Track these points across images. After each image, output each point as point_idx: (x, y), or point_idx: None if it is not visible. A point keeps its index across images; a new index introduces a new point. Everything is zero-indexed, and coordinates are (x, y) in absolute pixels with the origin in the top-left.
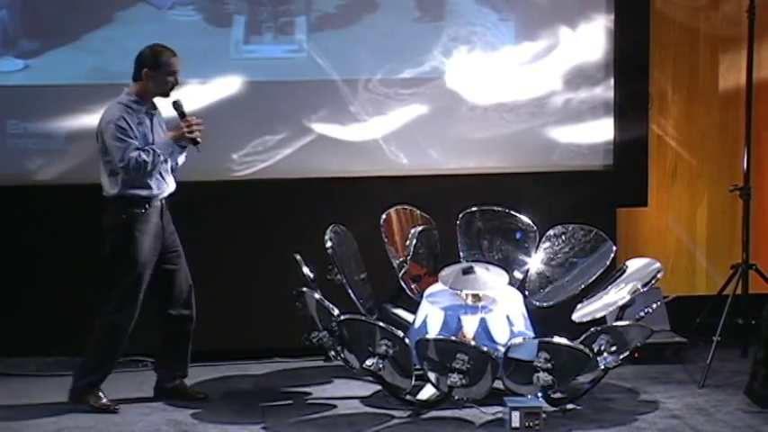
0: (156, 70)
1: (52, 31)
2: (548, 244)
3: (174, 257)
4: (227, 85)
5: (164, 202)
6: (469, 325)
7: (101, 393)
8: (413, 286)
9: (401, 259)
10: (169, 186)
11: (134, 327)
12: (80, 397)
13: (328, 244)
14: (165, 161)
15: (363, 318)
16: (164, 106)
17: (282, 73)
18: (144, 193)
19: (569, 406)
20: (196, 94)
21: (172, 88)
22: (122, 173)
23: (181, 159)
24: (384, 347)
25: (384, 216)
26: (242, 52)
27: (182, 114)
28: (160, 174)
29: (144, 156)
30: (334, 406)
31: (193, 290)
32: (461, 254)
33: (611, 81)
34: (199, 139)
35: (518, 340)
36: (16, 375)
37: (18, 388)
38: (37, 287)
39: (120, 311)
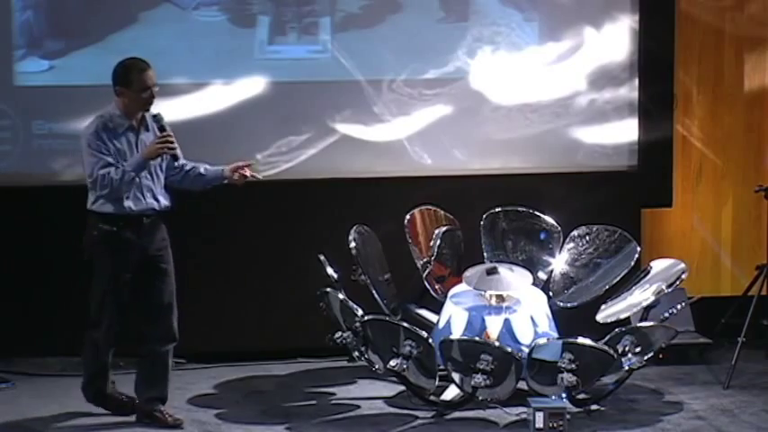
0: (127, 87)
1: (77, 31)
2: (572, 245)
3: (156, 277)
4: (251, 86)
5: (146, 221)
6: (493, 326)
7: (109, 398)
8: (437, 287)
9: (425, 260)
10: (156, 205)
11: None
12: (97, 401)
13: (352, 244)
14: (136, 180)
15: (387, 318)
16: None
17: (306, 73)
18: (115, 210)
19: (593, 407)
20: (220, 95)
21: (149, 102)
22: (90, 187)
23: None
24: (408, 348)
25: (408, 216)
26: (266, 53)
27: (161, 129)
28: (142, 192)
29: (112, 173)
30: (358, 406)
31: (175, 311)
32: (485, 254)
33: (636, 81)
34: (178, 154)
35: (542, 341)
36: (41, 375)
37: (42, 388)
38: (61, 287)
39: (96, 327)
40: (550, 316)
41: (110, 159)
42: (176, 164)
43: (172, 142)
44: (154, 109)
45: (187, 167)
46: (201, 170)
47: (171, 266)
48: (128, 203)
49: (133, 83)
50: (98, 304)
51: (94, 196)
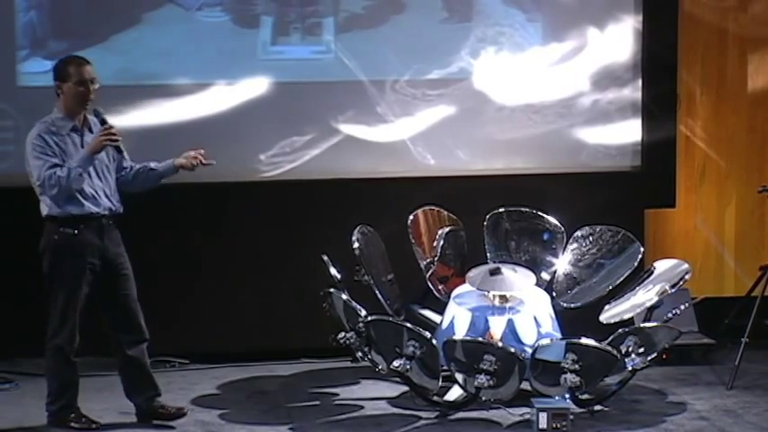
0: (65, 82)
1: (80, 32)
2: (575, 245)
3: (120, 280)
4: (254, 86)
5: (105, 222)
6: (497, 326)
7: (77, 413)
8: (440, 287)
9: (428, 260)
10: (112, 206)
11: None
12: (60, 421)
13: (355, 245)
14: (83, 176)
15: (390, 319)
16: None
17: (310, 74)
18: (75, 211)
19: (597, 407)
20: (223, 95)
21: (86, 97)
22: (40, 191)
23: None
24: (411, 348)
25: (411, 217)
26: (269, 53)
27: (102, 122)
28: (97, 193)
29: (59, 172)
30: (362, 407)
31: (140, 311)
32: (488, 255)
33: (639, 82)
34: (120, 146)
35: (545, 341)
36: (44, 376)
37: (46, 388)
38: None
39: (59, 334)
40: (554, 316)
41: (55, 160)
42: (125, 162)
43: (114, 134)
44: (156, 109)
45: (137, 166)
46: (152, 165)
47: (130, 268)
48: (87, 205)
49: (71, 76)
50: (61, 311)
51: (48, 201)
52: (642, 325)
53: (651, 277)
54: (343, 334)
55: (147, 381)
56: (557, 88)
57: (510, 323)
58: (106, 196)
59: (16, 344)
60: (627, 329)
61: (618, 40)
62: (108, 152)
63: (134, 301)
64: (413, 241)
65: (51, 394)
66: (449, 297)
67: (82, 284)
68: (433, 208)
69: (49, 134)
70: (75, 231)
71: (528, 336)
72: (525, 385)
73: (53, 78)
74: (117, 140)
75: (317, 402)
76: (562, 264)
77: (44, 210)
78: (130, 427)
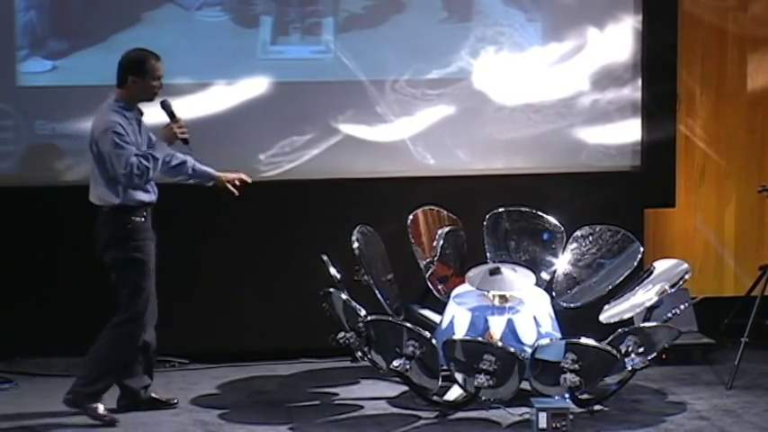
0: (141, 77)
1: (80, 31)
2: (575, 245)
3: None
4: (253, 86)
5: (151, 209)
6: (496, 326)
7: (101, 404)
8: (440, 287)
9: (428, 260)
10: (156, 194)
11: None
12: (79, 404)
13: (355, 245)
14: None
15: (390, 318)
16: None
17: (309, 74)
18: (146, 198)
19: (596, 407)
20: (223, 95)
21: (156, 93)
22: (124, 180)
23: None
24: (411, 348)
25: (411, 217)
26: (269, 53)
27: (171, 115)
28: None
29: (145, 162)
30: (361, 407)
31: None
32: (488, 255)
33: (639, 82)
34: (188, 138)
35: (545, 341)
36: (44, 375)
37: (46, 388)
38: (65, 287)
39: (136, 321)
40: (553, 316)
41: (134, 149)
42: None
43: (184, 127)
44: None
45: (177, 158)
46: (191, 169)
47: None
48: (152, 193)
49: (147, 72)
50: (136, 297)
51: (121, 190)
52: (642, 325)
53: (651, 277)
54: (342, 334)
55: (149, 369)
56: (556, 88)
57: (510, 323)
58: (155, 184)
59: (16, 344)
60: (626, 329)
61: (618, 39)
62: (149, 142)
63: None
64: (412, 241)
65: (88, 377)
66: (448, 297)
67: (152, 270)
68: (432, 208)
69: (124, 124)
70: (143, 219)
71: (528, 335)
72: (525, 385)
73: (125, 70)
74: (186, 134)
75: (317, 402)
76: (562, 263)
77: (112, 199)
78: (133, 425)
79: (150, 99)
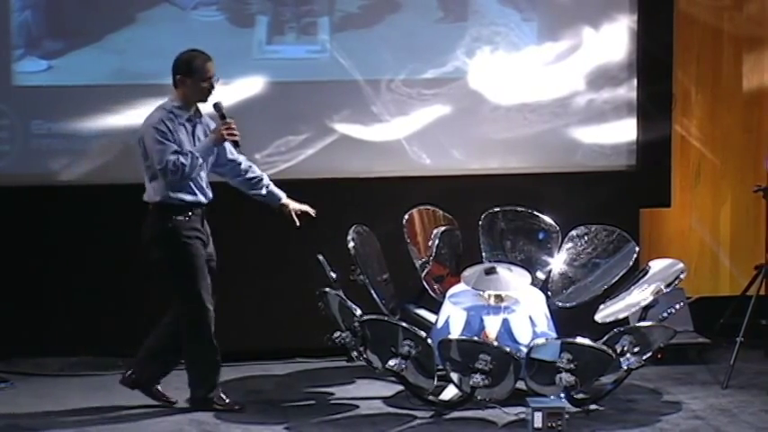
0: (189, 77)
1: (75, 31)
2: (570, 244)
3: (211, 267)
4: (249, 86)
5: (205, 210)
6: (492, 325)
7: (218, 394)
8: (435, 287)
9: (424, 260)
10: (210, 195)
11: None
12: (205, 405)
13: (351, 244)
14: (204, 166)
15: (386, 318)
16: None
17: (305, 73)
18: (189, 198)
19: (592, 407)
20: (219, 95)
21: (209, 93)
22: (161, 176)
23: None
24: (407, 348)
25: (407, 216)
26: (265, 52)
27: (222, 116)
28: (203, 182)
29: (182, 159)
30: (357, 406)
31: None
32: (484, 254)
33: (635, 81)
34: (238, 141)
35: (541, 341)
36: (40, 375)
37: (42, 388)
38: (61, 287)
39: (198, 320)
40: (549, 316)
41: (175, 147)
42: (229, 155)
43: (234, 129)
44: (151, 108)
45: (252, 170)
46: (265, 189)
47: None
48: (198, 193)
49: (195, 72)
50: (193, 293)
51: (163, 187)
52: (637, 324)
53: (646, 277)
54: (338, 333)
55: (171, 365)
56: (552, 88)
57: (505, 322)
58: (208, 186)
59: (12, 343)
60: (622, 329)
61: (613, 39)
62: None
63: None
64: (408, 241)
65: (194, 380)
66: (444, 296)
67: (202, 267)
68: (428, 207)
69: (170, 121)
70: (186, 218)
71: (523, 335)
72: (520, 384)
73: (174, 71)
74: (236, 136)
75: (313, 402)
76: (557, 263)
77: (154, 197)
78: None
79: (203, 99)
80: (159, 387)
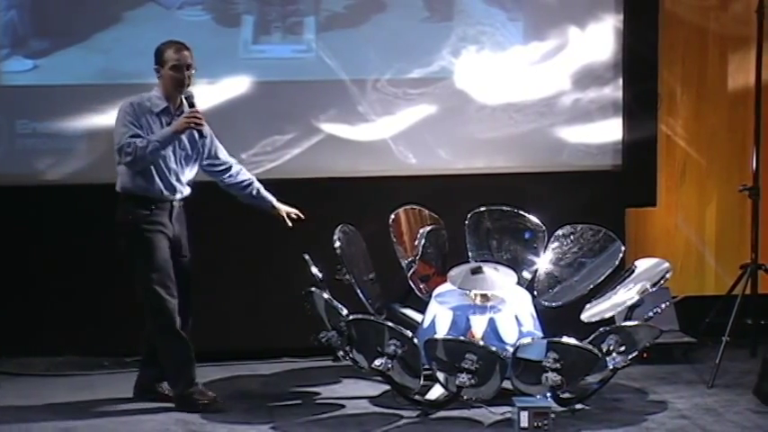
0: (162, 66)
1: (61, 31)
2: (556, 244)
3: (183, 264)
4: (235, 85)
5: (175, 205)
6: (478, 325)
7: (198, 389)
8: (421, 286)
9: (410, 259)
10: (181, 190)
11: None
12: (186, 402)
13: (337, 244)
14: (160, 152)
15: (372, 318)
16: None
17: (291, 73)
18: (152, 191)
19: (578, 406)
20: (204, 94)
21: (183, 81)
22: (117, 157)
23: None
24: (393, 347)
25: (393, 216)
26: (250, 52)
27: (191, 105)
28: (170, 175)
29: (138, 142)
30: (343, 406)
31: (191, 301)
32: (470, 254)
33: (620, 81)
34: (203, 130)
35: (527, 340)
36: (26, 375)
37: (28, 387)
38: (47, 287)
39: (157, 314)
40: (535, 315)
41: (138, 131)
42: (221, 155)
43: (200, 119)
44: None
45: (244, 175)
46: (255, 192)
47: (189, 255)
48: (159, 183)
49: (165, 62)
50: (154, 287)
51: (125, 177)
52: (623, 324)
53: (632, 276)
54: (324, 333)
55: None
56: (538, 87)
57: (491, 322)
58: (178, 181)
59: None
60: (608, 328)
61: (599, 39)
62: (194, 144)
63: (189, 287)
64: (394, 240)
65: (171, 378)
66: (430, 296)
67: (163, 261)
68: (414, 207)
69: (142, 107)
70: (148, 212)
71: (509, 335)
72: (507, 384)
73: (154, 62)
74: (201, 124)
75: (299, 401)
76: (543, 263)
77: (119, 184)
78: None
79: (178, 89)
80: (164, 388)
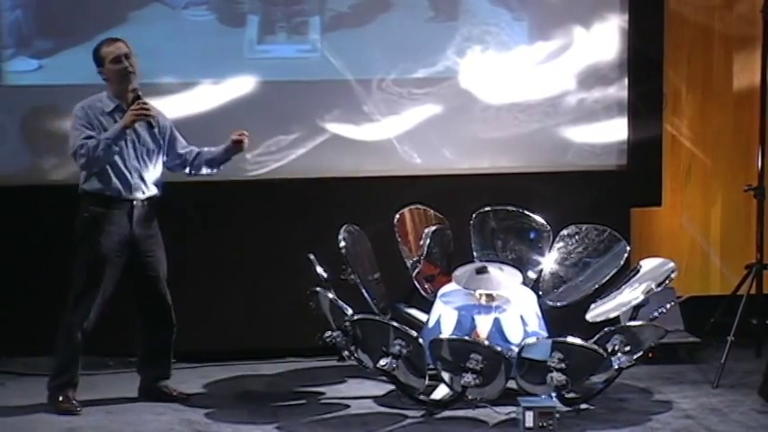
0: (102, 66)
1: (66, 30)
2: (561, 244)
3: (147, 263)
4: (240, 85)
5: (137, 204)
6: (483, 325)
7: (68, 394)
8: (426, 286)
9: (415, 259)
10: (144, 189)
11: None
12: (52, 399)
13: (342, 244)
14: (114, 148)
15: (377, 317)
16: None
17: (296, 73)
18: (105, 188)
19: (583, 406)
20: (209, 94)
21: (125, 73)
22: (74, 161)
23: (206, 170)
24: (398, 347)
25: (397, 216)
26: (255, 52)
27: (137, 97)
28: (130, 173)
29: (90, 143)
30: (348, 406)
31: (168, 298)
32: (475, 254)
33: (625, 81)
34: (151, 121)
35: (532, 340)
36: (31, 375)
37: (33, 387)
38: (52, 287)
39: (74, 312)
40: (540, 315)
41: (91, 133)
42: (179, 149)
43: (148, 109)
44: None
45: (193, 155)
46: (207, 155)
47: (162, 253)
48: (116, 182)
49: (102, 59)
50: (80, 287)
51: (84, 177)
52: (628, 324)
53: (637, 276)
54: (329, 333)
55: (163, 363)
56: (543, 87)
57: (496, 322)
58: (141, 179)
59: (2, 343)
60: (613, 328)
61: (604, 38)
62: (155, 137)
63: (161, 285)
64: (399, 240)
65: (52, 370)
66: (435, 296)
67: (106, 265)
68: (419, 207)
69: (93, 109)
70: (104, 210)
71: (514, 334)
72: (511, 384)
73: (96, 67)
74: (148, 115)
75: (304, 401)
76: (548, 262)
77: (81, 184)
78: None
79: (124, 83)
80: (166, 386)
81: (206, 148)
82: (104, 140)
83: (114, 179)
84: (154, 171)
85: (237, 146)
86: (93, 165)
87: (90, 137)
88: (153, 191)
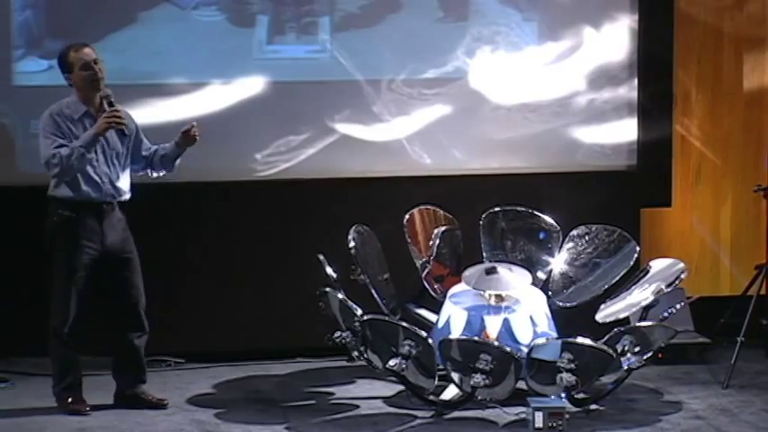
0: (70, 71)
1: (76, 31)
2: (571, 244)
3: (121, 267)
4: (250, 86)
5: (106, 208)
6: (493, 325)
7: (76, 395)
8: (436, 286)
9: (424, 259)
10: (114, 193)
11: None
12: (61, 403)
13: (351, 244)
14: (87, 156)
15: (386, 318)
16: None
17: (306, 73)
18: (74, 194)
19: (593, 406)
20: (219, 95)
21: (94, 78)
22: (46, 170)
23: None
24: (407, 348)
25: (407, 216)
26: (265, 52)
27: (110, 104)
28: (100, 178)
29: (63, 151)
30: (357, 406)
31: (142, 301)
32: (484, 254)
33: (635, 81)
34: (124, 128)
35: (541, 341)
36: (41, 375)
37: (43, 387)
38: None
39: (55, 315)
40: (550, 316)
41: (62, 141)
42: (143, 151)
43: (120, 117)
44: (151, 108)
45: (150, 152)
46: (161, 151)
47: (135, 256)
48: (86, 189)
49: (69, 65)
50: (57, 292)
51: (53, 180)
52: (638, 324)
53: (647, 276)
54: (338, 333)
55: (137, 367)
56: (553, 87)
57: (506, 322)
58: (111, 183)
59: (12, 343)
60: (623, 329)
61: (614, 39)
62: (123, 140)
63: (134, 288)
64: (408, 240)
65: (54, 377)
66: (445, 296)
67: (78, 268)
68: (428, 207)
69: (61, 116)
70: (74, 215)
71: (524, 335)
72: (521, 384)
73: (61, 72)
74: (121, 123)
75: (313, 402)
76: (558, 263)
77: (50, 189)
78: (127, 423)
79: (93, 88)
80: (143, 392)
81: (161, 145)
82: (77, 149)
83: (84, 185)
84: (124, 175)
85: (188, 138)
86: (66, 173)
87: (62, 145)
88: (124, 195)
